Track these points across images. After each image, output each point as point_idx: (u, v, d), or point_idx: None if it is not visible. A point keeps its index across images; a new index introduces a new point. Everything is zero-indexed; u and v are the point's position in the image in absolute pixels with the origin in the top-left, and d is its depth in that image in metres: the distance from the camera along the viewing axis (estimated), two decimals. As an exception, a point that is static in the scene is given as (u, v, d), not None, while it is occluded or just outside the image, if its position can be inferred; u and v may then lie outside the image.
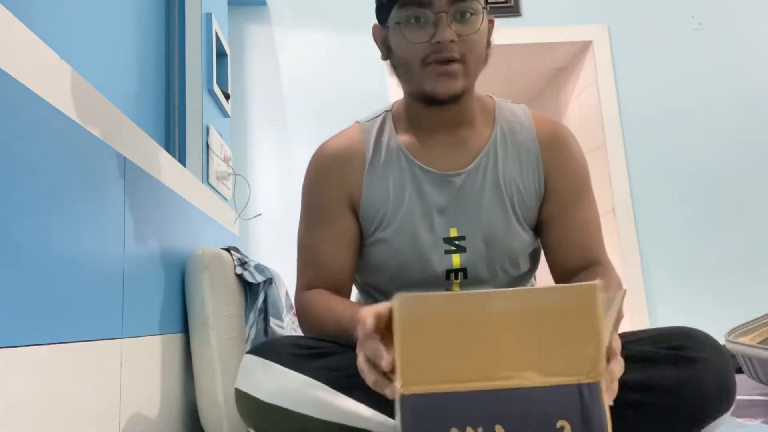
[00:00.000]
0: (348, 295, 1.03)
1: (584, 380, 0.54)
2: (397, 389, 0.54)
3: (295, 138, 2.97)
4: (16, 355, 0.76)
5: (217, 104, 2.26)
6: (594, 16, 3.18)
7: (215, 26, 2.23)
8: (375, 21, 1.02)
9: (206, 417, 1.40)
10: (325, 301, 0.96)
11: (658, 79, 3.13)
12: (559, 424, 0.53)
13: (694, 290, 2.93)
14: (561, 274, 1.02)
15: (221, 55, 2.39)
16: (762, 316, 2.07)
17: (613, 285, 0.93)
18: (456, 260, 0.99)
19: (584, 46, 3.22)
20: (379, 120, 1.05)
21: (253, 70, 3.02)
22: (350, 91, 3.00)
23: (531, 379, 0.54)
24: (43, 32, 0.92)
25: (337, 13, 3.06)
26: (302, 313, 1.00)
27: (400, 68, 0.97)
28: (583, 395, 0.53)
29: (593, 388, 0.54)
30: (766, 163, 3.07)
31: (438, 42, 0.89)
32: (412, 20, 0.91)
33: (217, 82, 2.28)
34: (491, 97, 1.07)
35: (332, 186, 1.01)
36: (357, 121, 1.08)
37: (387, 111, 1.07)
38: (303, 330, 1.00)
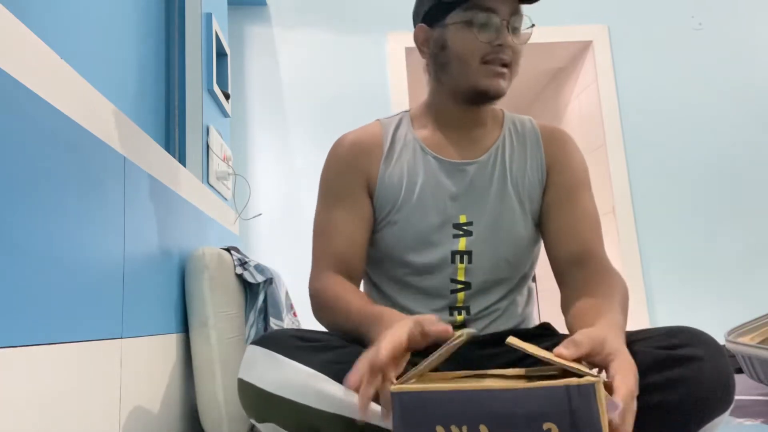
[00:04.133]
0: (359, 279, 1.08)
1: (573, 382, 0.52)
2: (391, 388, 0.57)
3: (295, 138, 2.97)
4: (16, 355, 0.76)
5: (217, 104, 2.26)
6: (594, 16, 3.18)
7: (215, 26, 2.23)
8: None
9: (206, 417, 1.40)
10: (338, 290, 0.99)
11: (658, 79, 3.13)
12: (545, 426, 0.51)
13: (694, 290, 2.93)
14: (557, 265, 1.05)
15: (221, 55, 2.39)
16: (762, 316, 2.07)
17: (618, 287, 0.94)
18: (462, 243, 1.05)
19: (584, 46, 3.22)
20: (397, 118, 1.15)
21: (253, 70, 3.02)
22: (350, 91, 3.00)
23: (518, 383, 0.54)
24: (43, 32, 0.92)
25: (337, 13, 3.06)
26: (315, 299, 1.03)
27: (452, 64, 1.04)
28: (571, 397, 0.51)
29: (584, 390, 0.51)
30: (766, 162, 3.07)
31: (500, 45, 0.99)
32: (480, 22, 1.00)
33: (217, 82, 2.28)
34: (501, 109, 1.17)
35: (351, 170, 1.08)
36: (377, 119, 1.16)
37: (405, 111, 1.16)
38: (314, 315, 1.03)
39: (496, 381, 0.56)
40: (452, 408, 0.54)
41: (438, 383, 0.56)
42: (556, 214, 1.06)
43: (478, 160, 1.07)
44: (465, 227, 1.05)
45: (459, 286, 1.05)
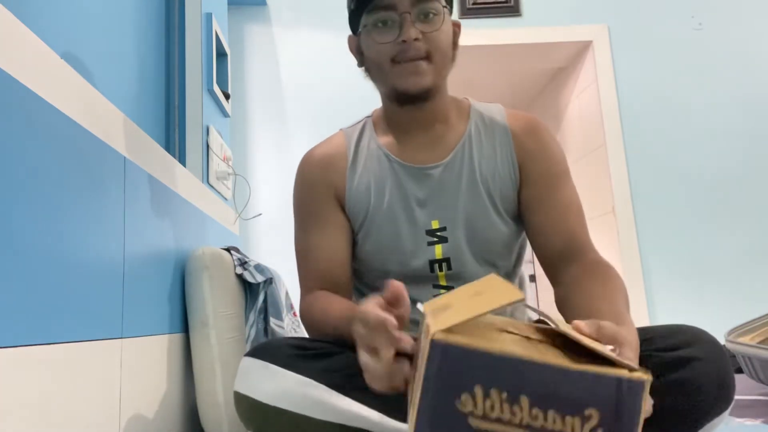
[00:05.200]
0: (350, 291, 1.06)
1: (626, 375, 0.51)
2: (430, 332, 0.52)
3: (294, 138, 2.97)
4: (17, 355, 0.76)
5: (217, 104, 2.26)
6: (594, 16, 3.18)
7: (215, 26, 2.23)
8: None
9: (206, 417, 1.40)
10: (322, 303, 0.97)
11: (658, 80, 3.13)
12: (587, 411, 0.51)
13: (694, 290, 2.93)
14: (546, 260, 1.02)
15: (221, 55, 2.39)
16: (762, 316, 2.07)
17: (617, 283, 0.93)
18: (438, 251, 1.02)
19: (584, 46, 3.22)
20: (359, 126, 1.12)
21: (253, 70, 3.02)
22: (350, 91, 3.00)
23: (570, 363, 0.53)
24: (43, 32, 0.92)
25: (337, 14, 3.06)
26: (303, 318, 1.02)
27: (372, 70, 1.03)
28: (620, 389, 0.51)
29: (634, 386, 0.51)
30: (766, 162, 3.07)
31: (403, 41, 0.95)
32: (380, 23, 0.97)
33: (217, 82, 2.28)
34: (467, 99, 1.12)
35: (320, 187, 1.07)
36: (341, 129, 1.14)
37: (367, 117, 1.13)
38: (308, 335, 1.01)
39: (545, 353, 0.53)
40: (497, 372, 0.52)
41: (486, 341, 0.53)
42: (538, 208, 1.02)
43: (443, 162, 1.03)
44: (438, 233, 1.02)
45: (442, 291, 1.03)
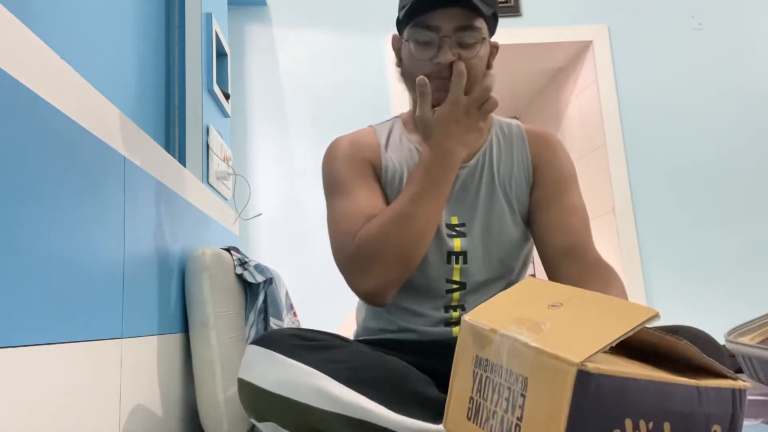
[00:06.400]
0: None
1: (739, 386, 0.52)
2: (575, 362, 0.48)
3: (295, 138, 2.97)
4: (16, 355, 0.76)
5: (217, 104, 2.26)
6: (594, 16, 3.18)
7: (215, 26, 2.23)
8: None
9: (206, 417, 1.40)
10: (377, 217, 0.99)
11: (658, 79, 3.13)
12: (713, 428, 0.51)
13: (694, 290, 2.93)
14: (548, 259, 1.07)
15: (221, 55, 2.39)
16: (762, 316, 2.07)
17: (617, 284, 0.96)
18: (457, 243, 1.07)
19: (584, 46, 3.22)
20: (389, 123, 1.18)
21: (253, 70, 3.02)
22: (350, 91, 3.00)
23: (696, 379, 0.52)
24: (43, 32, 0.92)
25: (337, 13, 3.06)
26: (360, 249, 0.98)
27: (406, 77, 1.09)
28: (735, 401, 0.51)
29: (743, 395, 0.52)
30: (766, 162, 3.07)
31: (438, 62, 1.01)
32: (421, 40, 1.03)
33: (217, 82, 2.28)
34: None
35: (357, 160, 1.11)
36: (370, 126, 1.19)
37: (396, 117, 1.20)
38: (363, 271, 0.97)
39: (660, 371, 0.52)
40: (645, 399, 0.48)
41: (630, 368, 0.50)
42: (545, 209, 1.09)
43: (467, 164, 1.10)
44: (458, 228, 1.08)
45: (454, 286, 1.07)
